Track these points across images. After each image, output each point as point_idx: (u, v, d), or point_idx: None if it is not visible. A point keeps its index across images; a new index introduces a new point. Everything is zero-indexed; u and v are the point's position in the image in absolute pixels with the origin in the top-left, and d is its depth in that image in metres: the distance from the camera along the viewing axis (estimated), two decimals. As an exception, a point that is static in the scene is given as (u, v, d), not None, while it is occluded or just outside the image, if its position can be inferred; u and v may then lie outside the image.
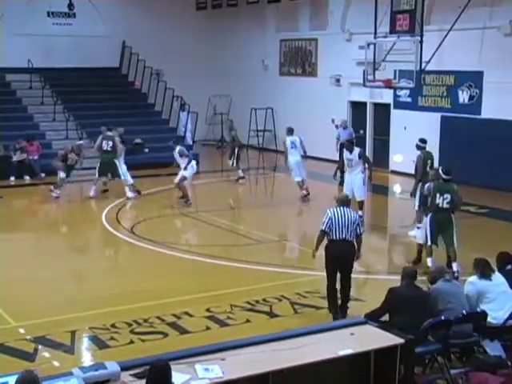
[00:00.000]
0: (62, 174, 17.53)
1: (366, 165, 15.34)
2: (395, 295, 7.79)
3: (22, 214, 17.42)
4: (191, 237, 15.10)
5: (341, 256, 9.41)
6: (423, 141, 14.33)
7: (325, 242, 9.54)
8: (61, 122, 22.56)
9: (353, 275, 10.57)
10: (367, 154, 21.81)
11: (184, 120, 24.62)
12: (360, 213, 14.43)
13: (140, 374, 5.92)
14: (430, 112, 20.19)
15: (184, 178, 16.88)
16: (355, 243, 9.54)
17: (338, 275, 9.57)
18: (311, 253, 9.70)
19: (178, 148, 17.03)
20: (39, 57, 23.59)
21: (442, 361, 7.54)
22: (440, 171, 11.81)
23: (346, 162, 15.32)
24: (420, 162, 13.79)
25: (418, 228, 13.60)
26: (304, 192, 17.32)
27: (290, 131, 17.77)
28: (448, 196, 11.29)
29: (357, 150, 15.10)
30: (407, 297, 7.69)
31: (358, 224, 9.46)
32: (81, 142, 18.94)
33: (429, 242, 11.47)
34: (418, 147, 14.25)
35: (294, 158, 17.40)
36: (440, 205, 11.29)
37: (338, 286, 9.60)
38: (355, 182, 14.86)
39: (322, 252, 9.58)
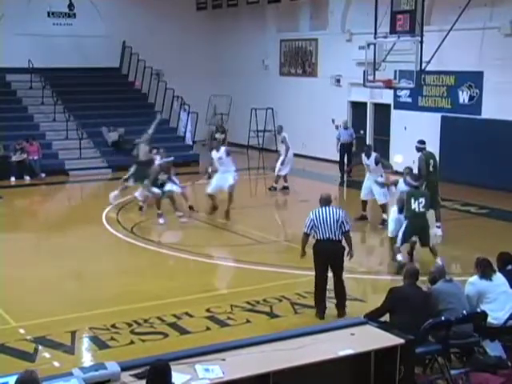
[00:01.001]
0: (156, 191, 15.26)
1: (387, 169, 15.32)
2: (396, 295, 7.78)
3: (23, 214, 17.42)
4: (191, 237, 15.06)
5: (327, 255, 9.43)
6: (422, 142, 14.39)
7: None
8: (61, 122, 22.58)
9: (353, 275, 10.61)
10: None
11: (184, 120, 24.63)
12: (385, 216, 14.51)
13: (140, 375, 5.92)
14: (430, 112, 20.19)
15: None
16: (345, 242, 9.56)
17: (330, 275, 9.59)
18: (300, 253, 9.76)
19: (223, 148, 15.63)
20: (39, 57, 23.60)
21: (443, 361, 7.53)
22: (409, 179, 12.49)
23: (365, 166, 15.35)
24: (422, 163, 13.89)
25: (438, 227, 13.96)
26: (279, 185, 18.54)
27: (282, 128, 19.01)
28: (422, 200, 11.69)
29: (373, 155, 15.02)
30: (408, 297, 7.68)
31: (342, 222, 9.43)
32: (171, 158, 16.05)
33: (398, 244, 11.74)
34: (418, 149, 14.31)
35: (291, 152, 18.54)
36: (416, 210, 11.66)
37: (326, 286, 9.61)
38: (374, 185, 14.85)
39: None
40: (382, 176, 14.96)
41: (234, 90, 26.78)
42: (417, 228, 11.70)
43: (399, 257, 11.64)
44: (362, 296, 10.45)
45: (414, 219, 11.65)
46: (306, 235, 9.58)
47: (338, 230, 9.38)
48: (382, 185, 14.69)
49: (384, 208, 14.77)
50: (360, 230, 14.48)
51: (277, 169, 18.43)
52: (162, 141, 22.11)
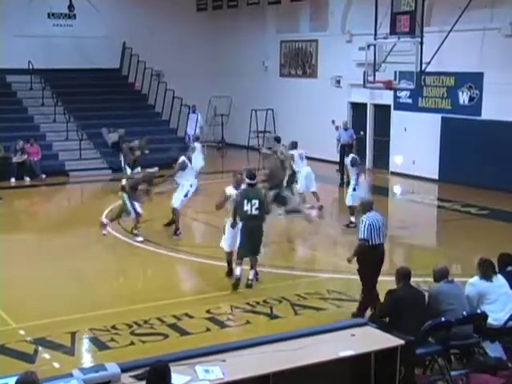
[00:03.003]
0: None
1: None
2: (395, 297, 7.77)
3: (23, 214, 17.41)
4: (191, 238, 15.06)
5: (381, 259, 9.40)
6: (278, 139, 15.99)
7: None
8: (61, 123, 22.57)
9: (351, 276, 10.58)
10: (367, 155, 21.93)
11: (199, 120, 24.67)
12: (352, 218, 14.62)
13: (140, 376, 5.92)
14: (430, 113, 20.19)
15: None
16: None
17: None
18: (349, 258, 9.56)
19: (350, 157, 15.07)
20: (40, 58, 23.58)
21: (443, 362, 7.53)
22: (244, 176, 11.14)
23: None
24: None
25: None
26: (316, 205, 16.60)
27: (294, 145, 16.69)
28: (256, 202, 10.63)
29: (350, 156, 15.20)
30: (406, 299, 7.67)
31: (385, 226, 9.55)
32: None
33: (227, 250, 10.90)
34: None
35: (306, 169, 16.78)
36: (248, 212, 10.57)
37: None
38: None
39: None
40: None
41: (234, 91, 26.78)
42: (250, 232, 10.64)
43: (238, 270, 10.73)
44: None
45: (246, 222, 10.60)
46: (366, 241, 9.19)
47: (383, 233, 9.40)
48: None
49: (352, 210, 14.51)
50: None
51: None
52: (162, 141, 22.23)
